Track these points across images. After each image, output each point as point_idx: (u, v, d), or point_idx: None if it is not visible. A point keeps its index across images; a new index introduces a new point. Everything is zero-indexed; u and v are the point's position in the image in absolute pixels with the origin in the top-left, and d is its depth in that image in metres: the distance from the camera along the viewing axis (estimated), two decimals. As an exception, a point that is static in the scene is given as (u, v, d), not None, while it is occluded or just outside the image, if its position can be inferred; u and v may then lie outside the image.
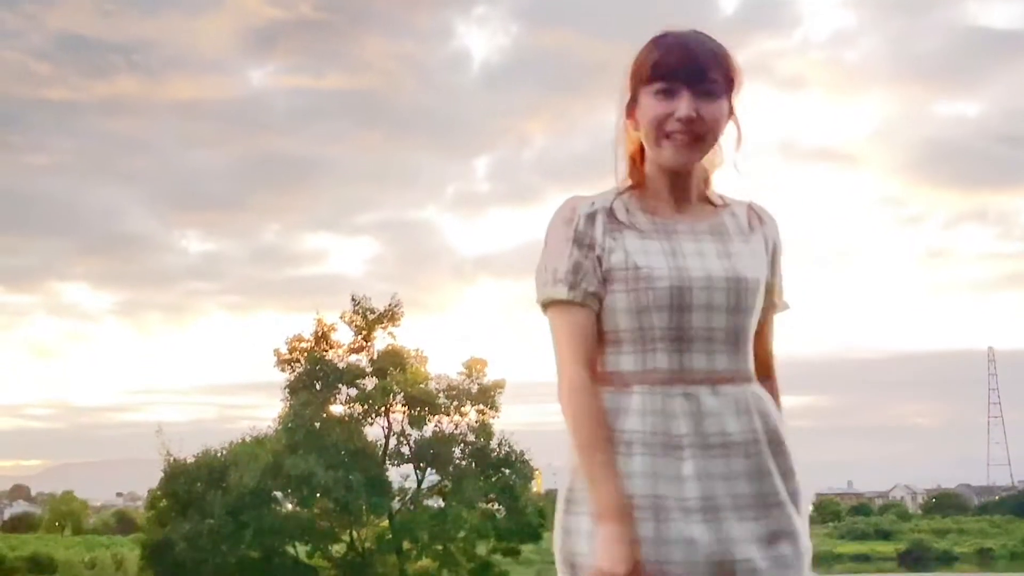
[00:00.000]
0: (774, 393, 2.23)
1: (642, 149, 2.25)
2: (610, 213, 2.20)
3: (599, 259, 2.15)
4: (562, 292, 2.15)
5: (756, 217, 2.27)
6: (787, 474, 2.12)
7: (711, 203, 2.26)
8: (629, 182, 2.26)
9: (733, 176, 2.28)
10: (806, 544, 2.11)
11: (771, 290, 2.22)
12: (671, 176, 2.21)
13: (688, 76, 2.14)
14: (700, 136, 2.15)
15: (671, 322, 2.10)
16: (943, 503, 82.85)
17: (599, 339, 2.17)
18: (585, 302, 2.13)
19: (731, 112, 2.21)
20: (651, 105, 2.15)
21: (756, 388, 2.15)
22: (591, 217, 2.19)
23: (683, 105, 2.12)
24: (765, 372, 2.22)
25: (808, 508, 2.18)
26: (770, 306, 2.23)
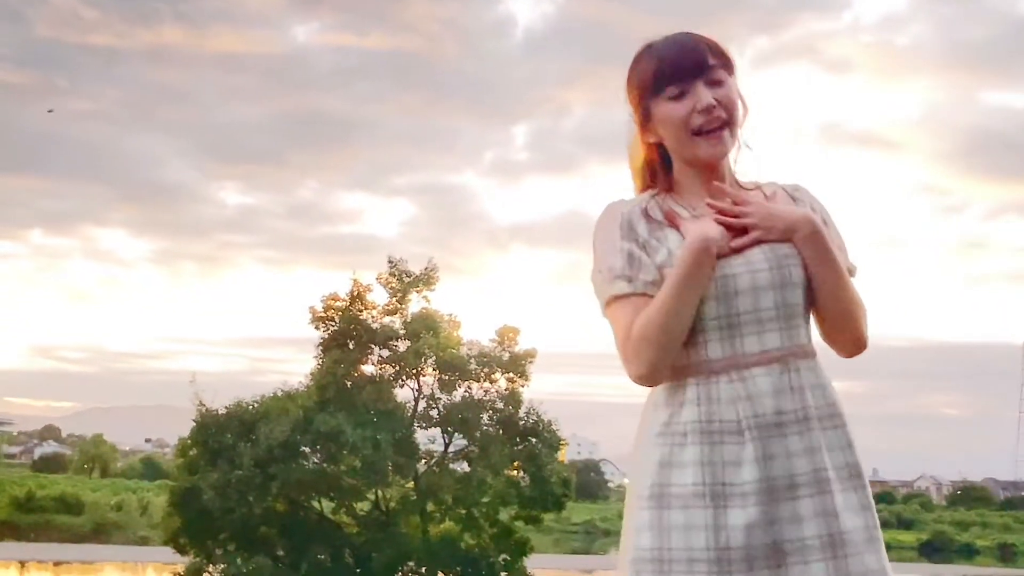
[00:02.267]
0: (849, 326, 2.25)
1: (660, 157, 2.31)
2: (648, 214, 2.25)
3: (656, 276, 2.18)
4: (623, 287, 2.19)
5: (787, 196, 2.32)
6: (844, 448, 2.15)
7: (743, 188, 2.30)
8: (656, 190, 2.31)
9: (747, 156, 2.32)
10: (862, 521, 2.12)
11: None
12: (703, 172, 2.27)
13: (693, 71, 2.20)
14: (725, 121, 2.21)
15: (719, 310, 2.16)
16: (968, 496, 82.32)
17: None
18: (647, 291, 2.17)
19: (740, 96, 2.26)
20: (669, 110, 2.22)
21: (811, 363, 2.18)
22: (634, 216, 2.25)
23: (701, 96, 2.19)
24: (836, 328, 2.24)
25: (867, 487, 2.19)
26: None
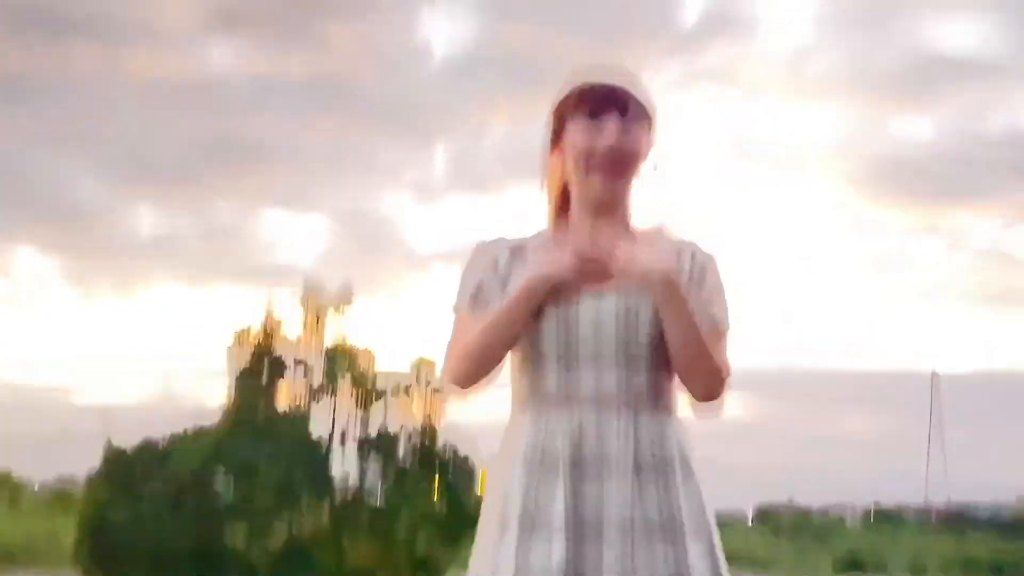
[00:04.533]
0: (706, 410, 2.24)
1: (566, 189, 2.30)
2: (516, 250, 2.28)
3: (503, 284, 2.23)
4: (465, 303, 2.27)
5: (673, 249, 2.28)
6: (669, 500, 2.13)
7: (631, 234, 2.28)
8: (554, 226, 2.34)
9: (652, 179, 2.32)
10: (674, 570, 2.09)
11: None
12: (593, 214, 2.26)
13: (610, 106, 2.20)
14: (626, 163, 2.21)
15: (559, 346, 2.16)
16: (882, 518, 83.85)
17: (517, 366, 2.25)
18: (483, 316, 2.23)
19: (649, 145, 2.27)
20: (577, 135, 2.21)
21: (653, 414, 2.17)
22: (499, 250, 2.29)
23: (607, 133, 2.19)
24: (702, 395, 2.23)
25: (711, 540, 2.16)
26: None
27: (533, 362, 2.20)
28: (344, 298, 28.40)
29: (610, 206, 2.27)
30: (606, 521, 2.10)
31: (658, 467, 2.14)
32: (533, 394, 2.21)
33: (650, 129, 2.27)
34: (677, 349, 2.16)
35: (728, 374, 2.25)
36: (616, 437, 2.13)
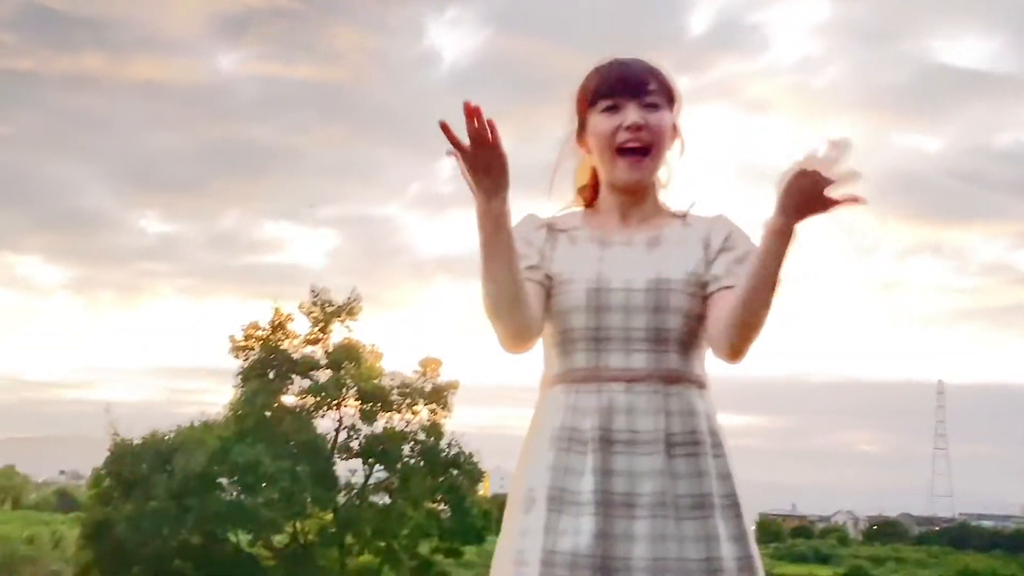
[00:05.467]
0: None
1: (596, 176, 2.33)
2: (551, 227, 2.29)
3: (541, 260, 2.23)
4: None
5: (707, 224, 2.29)
6: (700, 476, 2.12)
7: (667, 218, 2.30)
8: (580, 204, 2.35)
9: (681, 186, 2.33)
10: (695, 551, 2.07)
11: (723, 277, 2.18)
12: (622, 195, 2.28)
13: (630, 90, 2.23)
14: (649, 145, 2.22)
15: (589, 323, 2.17)
16: (884, 531, 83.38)
17: (548, 344, 2.24)
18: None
19: (675, 128, 2.28)
20: (599, 122, 2.24)
21: (684, 389, 2.16)
22: (535, 227, 2.29)
23: (630, 114, 2.21)
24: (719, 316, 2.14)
25: (741, 519, 2.14)
26: (717, 288, 2.17)
27: (563, 341, 2.19)
28: (351, 304, 28.42)
29: (637, 188, 2.27)
30: (637, 497, 2.07)
31: (689, 443, 2.12)
32: (563, 372, 2.20)
33: (674, 113, 2.27)
34: (754, 291, 2.00)
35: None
36: (646, 413, 2.11)
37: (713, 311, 2.16)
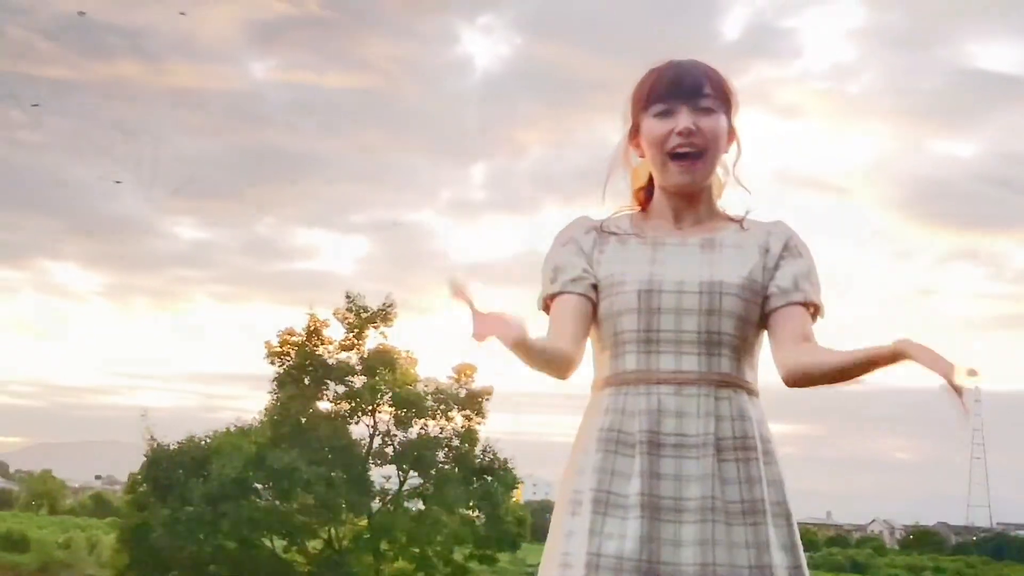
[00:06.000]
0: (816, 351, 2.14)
1: (651, 178, 2.30)
2: (602, 229, 2.28)
3: (589, 266, 2.23)
4: (548, 288, 2.25)
5: (765, 231, 2.26)
6: (751, 481, 2.09)
7: (722, 221, 2.28)
8: (636, 207, 2.34)
9: (738, 192, 2.31)
10: (745, 558, 2.04)
11: (791, 291, 2.17)
12: (675, 198, 2.26)
13: (684, 94, 2.19)
14: (702, 150, 2.19)
15: (640, 325, 2.14)
16: (920, 540, 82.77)
17: (598, 346, 2.24)
18: (565, 289, 2.22)
19: (731, 131, 2.26)
20: (652, 126, 2.21)
21: (735, 393, 2.13)
22: (584, 231, 2.28)
23: (682, 119, 2.18)
24: (804, 350, 2.14)
25: (792, 527, 2.11)
26: (784, 303, 2.17)
27: (614, 343, 2.18)
28: (386, 309, 28.48)
29: (691, 192, 2.25)
30: (684, 501, 2.05)
31: (739, 448, 2.10)
32: (612, 375, 2.18)
33: (730, 116, 2.25)
34: (839, 372, 2.06)
35: None
36: (696, 416, 2.09)
37: (783, 327, 2.16)
